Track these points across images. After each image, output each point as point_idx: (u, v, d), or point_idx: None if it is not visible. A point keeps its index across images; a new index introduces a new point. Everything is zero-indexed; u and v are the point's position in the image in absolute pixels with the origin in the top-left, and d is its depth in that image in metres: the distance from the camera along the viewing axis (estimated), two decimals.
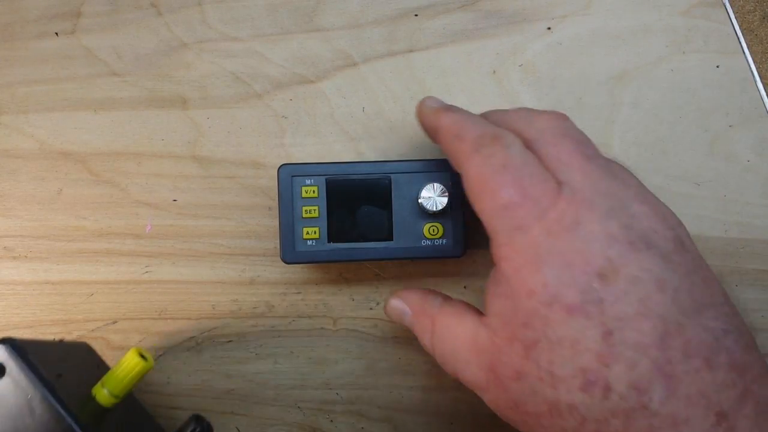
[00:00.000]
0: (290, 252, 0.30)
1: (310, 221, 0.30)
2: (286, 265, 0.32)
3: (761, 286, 0.34)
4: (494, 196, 0.23)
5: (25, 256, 0.35)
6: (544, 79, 0.35)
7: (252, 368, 0.34)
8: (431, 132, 0.28)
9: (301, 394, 0.34)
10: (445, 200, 0.28)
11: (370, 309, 0.34)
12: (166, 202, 0.35)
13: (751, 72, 0.35)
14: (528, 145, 0.25)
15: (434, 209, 0.28)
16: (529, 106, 0.35)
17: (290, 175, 0.30)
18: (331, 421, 0.34)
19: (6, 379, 0.24)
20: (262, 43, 0.36)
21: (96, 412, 0.26)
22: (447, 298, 0.28)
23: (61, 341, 0.30)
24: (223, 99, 0.35)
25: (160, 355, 0.34)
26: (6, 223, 0.35)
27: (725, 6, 0.35)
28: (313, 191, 0.30)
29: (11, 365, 0.25)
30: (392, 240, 0.29)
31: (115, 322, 0.34)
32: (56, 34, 0.36)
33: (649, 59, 0.35)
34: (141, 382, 0.34)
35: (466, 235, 0.30)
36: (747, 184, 0.34)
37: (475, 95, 0.35)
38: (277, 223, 0.34)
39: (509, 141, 0.24)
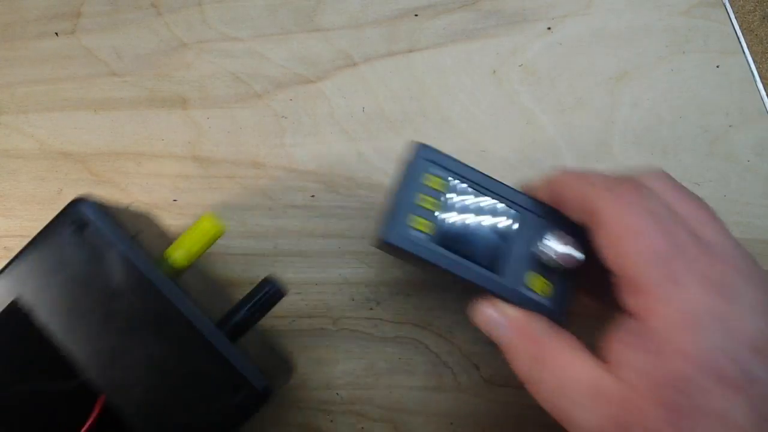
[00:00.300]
0: (394, 233, 0.26)
1: (423, 212, 0.26)
2: (377, 247, 0.28)
3: None
4: (641, 242, 0.22)
5: None
6: (544, 79, 0.35)
7: None
8: (552, 191, 0.27)
9: (301, 394, 0.34)
10: (570, 254, 0.26)
11: (370, 309, 0.34)
12: (166, 202, 0.35)
13: (751, 72, 0.35)
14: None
15: (553, 258, 0.26)
16: (529, 106, 0.35)
17: (426, 158, 0.27)
18: (331, 421, 0.34)
19: (86, 234, 0.24)
20: (262, 43, 0.36)
21: (169, 273, 0.26)
22: (553, 325, 0.26)
23: (127, 207, 0.30)
24: (223, 99, 0.35)
25: None
26: (6, 223, 0.35)
27: (725, 6, 0.35)
28: (440, 185, 0.27)
29: (92, 221, 0.25)
30: (497, 273, 0.26)
31: None
32: (56, 34, 0.36)
33: (649, 59, 0.35)
34: None
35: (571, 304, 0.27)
36: (747, 184, 0.34)
37: (475, 95, 0.35)
38: (277, 223, 0.34)
39: (646, 188, 0.23)
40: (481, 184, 0.27)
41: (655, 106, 0.34)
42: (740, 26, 0.35)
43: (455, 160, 0.27)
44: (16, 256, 0.25)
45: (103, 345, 0.24)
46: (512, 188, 0.27)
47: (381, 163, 0.34)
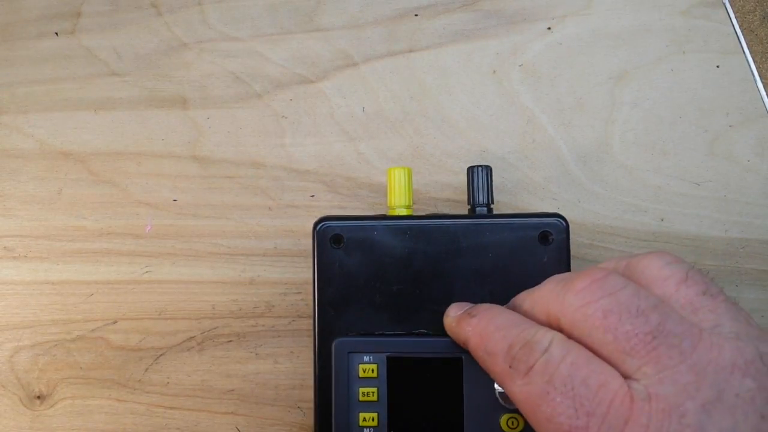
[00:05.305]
0: None
1: (368, 405, 0.26)
2: None
3: (761, 286, 0.34)
4: (552, 424, 0.19)
5: (25, 256, 0.35)
6: (544, 79, 0.35)
7: (252, 368, 0.34)
8: (464, 346, 0.25)
9: (301, 394, 0.34)
10: None
11: None
12: (166, 202, 0.35)
13: (751, 72, 0.35)
14: (570, 332, 0.20)
15: (511, 406, 0.25)
16: (529, 106, 0.35)
17: (347, 350, 0.26)
18: None
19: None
20: (262, 43, 0.36)
21: None
22: None
23: None
24: (223, 99, 0.35)
25: (160, 355, 0.34)
26: (6, 223, 0.35)
27: (725, 6, 0.35)
28: (372, 370, 0.26)
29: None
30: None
31: (115, 322, 0.34)
32: (56, 34, 0.36)
33: (649, 59, 0.35)
34: (140, 382, 0.34)
35: None
36: (747, 184, 0.34)
37: (475, 95, 0.35)
38: (277, 223, 0.34)
39: (544, 344, 0.20)
40: (414, 349, 0.26)
41: (655, 106, 0.34)
42: (740, 26, 0.35)
43: (375, 337, 0.27)
44: None
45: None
46: (441, 339, 0.26)
47: (381, 163, 0.34)
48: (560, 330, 0.21)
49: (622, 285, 0.20)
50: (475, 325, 0.23)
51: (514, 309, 0.24)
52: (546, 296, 0.22)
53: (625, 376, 0.19)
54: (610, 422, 0.18)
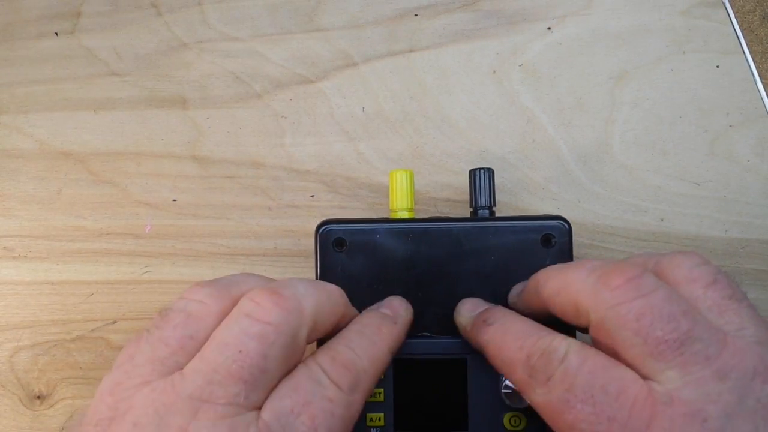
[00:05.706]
0: None
1: (375, 406, 0.26)
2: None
3: (761, 286, 0.34)
4: (574, 431, 0.19)
5: (25, 256, 0.35)
6: (544, 79, 0.35)
7: None
8: (477, 348, 0.25)
9: None
10: None
11: None
12: (166, 202, 0.35)
13: (751, 72, 0.35)
14: (597, 326, 0.21)
15: (519, 405, 0.25)
16: (529, 106, 0.35)
17: None
18: None
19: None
20: (262, 43, 0.36)
21: None
22: None
23: None
24: (223, 99, 0.35)
25: None
26: (6, 223, 0.35)
27: (725, 6, 0.35)
28: None
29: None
30: (467, 431, 0.26)
31: (115, 322, 0.34)
32: (56, 34, 0.36)
33: (649, 59, 0.35)
34: None
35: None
36: (747, 184, 0.34)
37: (475, 95, 0.35)
38: (277, 223, 0.34)
39: (561, 352, 0.20)
40: (419, 351, 0.27)
41: (655, 106, 0.34)
42: (740, 26, 0.35)
43: None
44: None
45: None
46: (453, 340, 0.27)
47: (381, 163, 0.34)
48: (587, 322, 0.21)
49: (655, 286, 0.20)
50: (492, 334, 0.24)
51: (537, 285, 0.24)
52: (576, 284, 0.22)
53: (645, 377, 0.19)
54: (632, 426, 0.18)
